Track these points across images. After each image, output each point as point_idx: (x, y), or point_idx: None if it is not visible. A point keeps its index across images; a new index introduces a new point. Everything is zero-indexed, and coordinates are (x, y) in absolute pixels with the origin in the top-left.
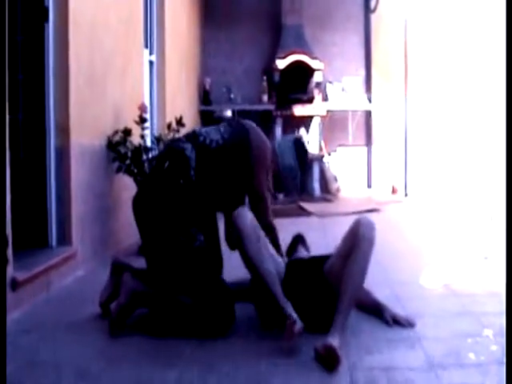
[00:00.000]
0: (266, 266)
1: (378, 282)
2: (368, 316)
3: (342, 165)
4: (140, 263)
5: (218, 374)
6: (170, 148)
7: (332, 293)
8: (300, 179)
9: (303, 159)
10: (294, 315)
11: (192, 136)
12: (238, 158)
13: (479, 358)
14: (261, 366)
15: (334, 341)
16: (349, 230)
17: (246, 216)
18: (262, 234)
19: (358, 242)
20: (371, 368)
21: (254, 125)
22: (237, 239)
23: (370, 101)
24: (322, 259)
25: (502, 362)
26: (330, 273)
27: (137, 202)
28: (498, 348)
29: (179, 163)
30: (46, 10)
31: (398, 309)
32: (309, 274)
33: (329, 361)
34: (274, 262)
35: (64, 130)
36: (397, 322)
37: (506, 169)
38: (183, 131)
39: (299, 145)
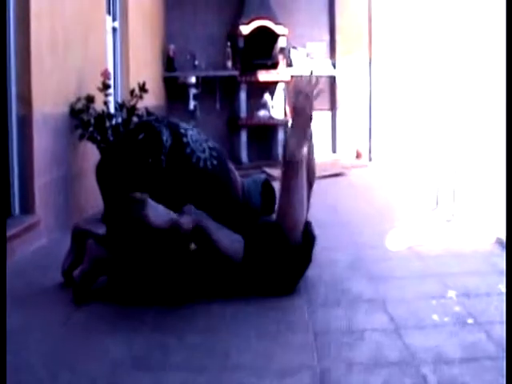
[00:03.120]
0: None
1: (342, 245)
2: (332, 274)
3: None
4: (103, 230)
5: (182, 341)
6: (149, 124)
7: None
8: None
9: (270, 204)
10: None
11: (175, 129)
12: (213, 190)
13: (443, 319)
14: (225, 335)
15: None
16: None
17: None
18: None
19: None
20: (335, 330)
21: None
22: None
23: (334, 66)
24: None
25: (465, 322)
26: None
27: (101, 168)
28: (462, 309)
29: (152, 142)
30: None
31: (363, 271)
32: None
33: None
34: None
35: (25, 99)
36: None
37: (506, 166)
38: (146, 97)
39: (267, 189)
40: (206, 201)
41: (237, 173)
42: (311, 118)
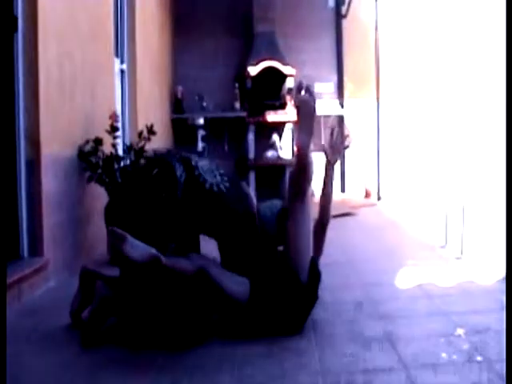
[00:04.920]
0: None
1: (351, 284)
2: (340, 314)
3: (315, 170)
4: (112, 272)
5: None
6: (162, 159)
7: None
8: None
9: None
10: None
11: (187, 163)
12: (230, 211)
13: (451, 358)
14: (235, 377)
15: None
16: None
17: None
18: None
19: None
20: (344, 370)
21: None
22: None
23: (342, 106)
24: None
25: (474, 360)
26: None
27: (110, 209)
28: (471, 347)
29: (166, 177)
30: (16, 19)
31: (371, 310)
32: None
33: None
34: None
35: (34, 141)
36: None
37: (506, 171)
38: (154, 139)
39: (284, 218)
40: (223, 225)
41: (252, 194)
42: (315, 111)
